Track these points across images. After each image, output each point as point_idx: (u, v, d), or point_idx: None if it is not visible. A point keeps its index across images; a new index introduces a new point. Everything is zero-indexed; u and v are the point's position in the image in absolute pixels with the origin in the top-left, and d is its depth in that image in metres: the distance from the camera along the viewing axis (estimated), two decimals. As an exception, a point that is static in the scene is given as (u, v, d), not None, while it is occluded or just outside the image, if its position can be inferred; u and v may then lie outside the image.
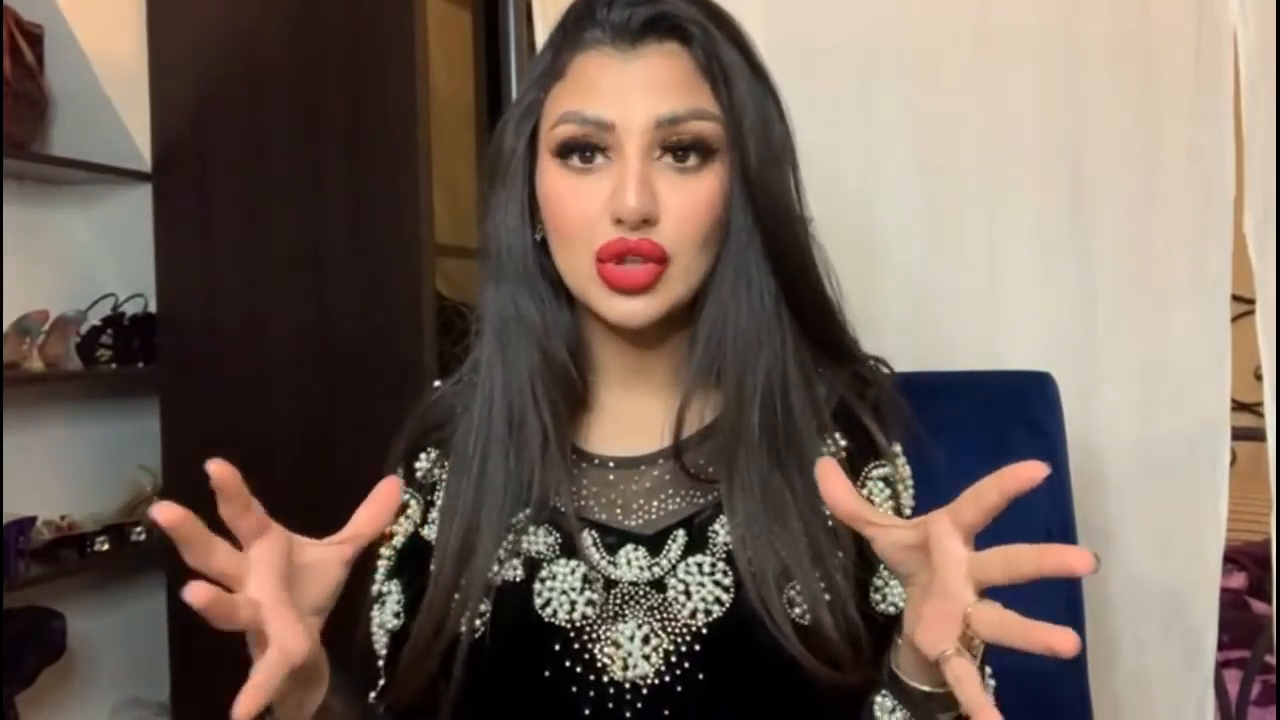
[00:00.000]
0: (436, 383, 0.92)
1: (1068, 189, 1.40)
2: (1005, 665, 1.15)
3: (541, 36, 1.61)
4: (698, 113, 0.77)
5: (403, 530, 0.87)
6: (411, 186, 1.85)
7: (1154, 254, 1.38)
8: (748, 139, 0.78)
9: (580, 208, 0.77)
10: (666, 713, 0.78)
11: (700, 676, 0.78)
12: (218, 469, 0.57)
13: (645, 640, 0.78)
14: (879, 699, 0.74)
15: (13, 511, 1.95)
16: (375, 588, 0.87)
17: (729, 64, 0.78)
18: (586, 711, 0.78)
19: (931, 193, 1.45)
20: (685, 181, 0.77)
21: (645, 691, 0.78)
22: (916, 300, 1.45)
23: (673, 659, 0.78)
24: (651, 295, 0.77)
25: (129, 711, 2.24)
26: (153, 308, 2.15)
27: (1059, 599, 1.12)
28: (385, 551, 0.88)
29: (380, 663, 0.87)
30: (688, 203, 0.77)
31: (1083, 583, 1.14)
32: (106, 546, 2.09)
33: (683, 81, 0.78)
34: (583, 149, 0.77)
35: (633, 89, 0.77)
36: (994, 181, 1.43)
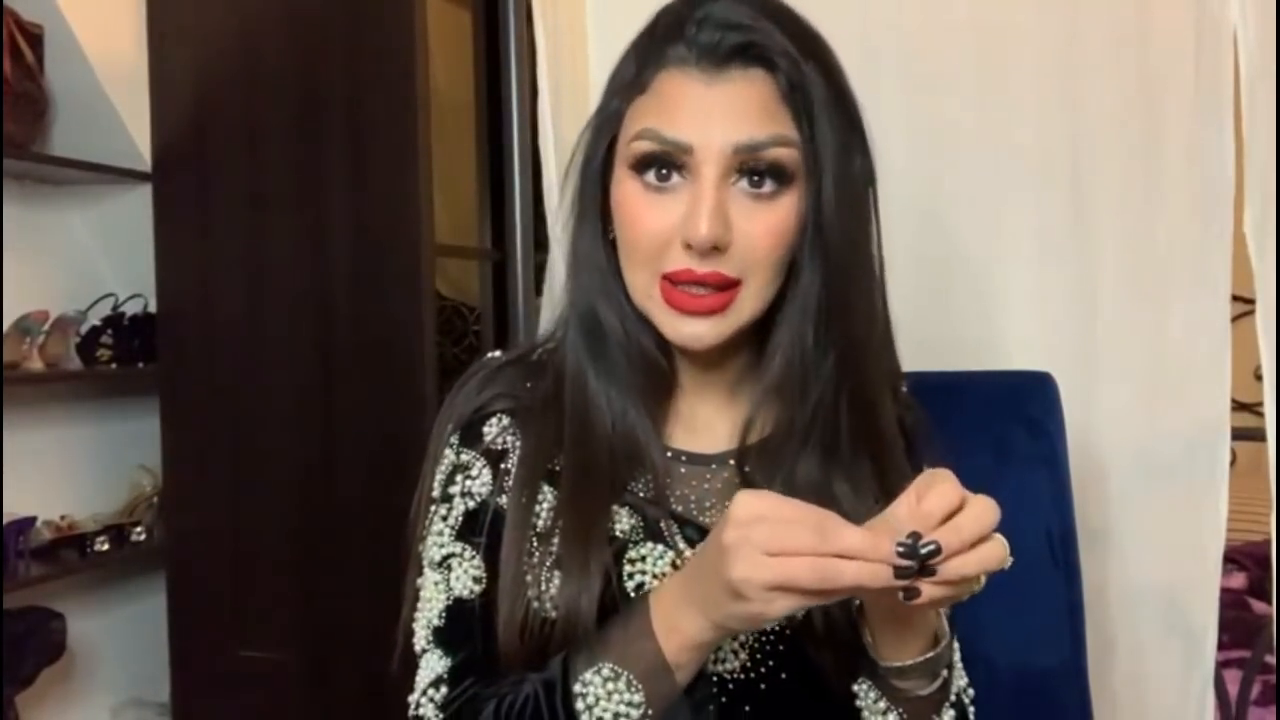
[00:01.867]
0: (496, 352, 0.91)
1: (1068, 189, 1.41)
2: (1005, 665, 1.15)
3: (542, 37, 1.60)
4: (777, 139, 0.76)
5: (463, 493, 0.84)
6: (411, 186, 1.85)
7: (1154, 254, 1.38)
8: (825, 170, 0.77)
9: (653, 226, 0.77)
10: (748, 709, 0.79)
11: (783, 675, 0.79)
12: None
13: (733, 635, 0.78)
14: (860, 688, 0.76)
15: (13, 511, 1.96)
16: (439, 551, 0.82)
17: (813, 94, 0.77)
18: None
19: (931, 193, 1.45)
20: (759, 208, 0.77)
21: (731, 685, 0.79)
22: (916, 300, 1.45)
23: (758, 656, 0.79)
24: (719, 319, 0.78)
25: (129, 711, 2.24)
26: (153, 308, 2.15)
27: (1059, 600, 1.12)
28: (442, 512, 0.84)
29: (425, 644, 0.81)
30: (759, 229, 0.77)
31: (1083, 583, 1.14)
32: (106, 546, 2.09)
33: (765, 108, 0.77)
34: (660, 165, 0.77)
35: (714, 113, 0.76)
36: (994, 181, 1.43)
